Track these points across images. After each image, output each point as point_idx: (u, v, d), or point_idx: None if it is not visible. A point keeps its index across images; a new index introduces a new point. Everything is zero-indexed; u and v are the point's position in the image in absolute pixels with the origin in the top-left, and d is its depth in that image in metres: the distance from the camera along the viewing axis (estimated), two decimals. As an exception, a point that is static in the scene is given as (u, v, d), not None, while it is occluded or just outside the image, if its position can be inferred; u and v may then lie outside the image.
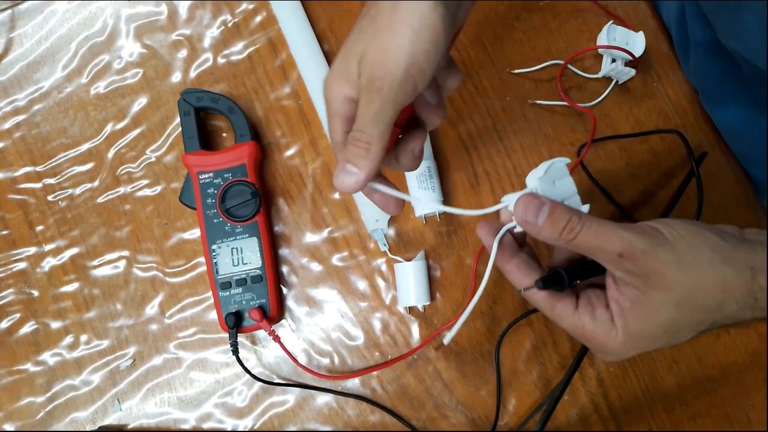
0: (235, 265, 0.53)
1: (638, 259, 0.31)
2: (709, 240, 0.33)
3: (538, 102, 0.57)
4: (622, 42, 0.55)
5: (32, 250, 0.58)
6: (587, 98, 0.57)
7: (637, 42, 0.56)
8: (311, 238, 0.57)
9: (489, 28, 0.59)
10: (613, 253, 0.32)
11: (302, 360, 0.55)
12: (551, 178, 0.35)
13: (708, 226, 0.34)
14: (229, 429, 0.55)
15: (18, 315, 0.57)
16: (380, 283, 0.56)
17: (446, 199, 0.56)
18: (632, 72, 0.56)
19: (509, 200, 0.36)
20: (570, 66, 0.57)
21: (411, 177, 0.54)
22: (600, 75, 0.57)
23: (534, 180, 0.35)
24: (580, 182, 0.57)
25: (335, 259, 0.56)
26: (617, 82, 0.57)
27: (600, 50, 0.56)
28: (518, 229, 0.36)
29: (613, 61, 0.56)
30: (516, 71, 0.57)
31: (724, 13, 0.44)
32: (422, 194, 0.54)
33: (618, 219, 0.56)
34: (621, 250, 0.32)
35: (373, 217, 0.55)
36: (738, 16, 0.41)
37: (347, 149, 0.36)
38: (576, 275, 0.36)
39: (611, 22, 0.56)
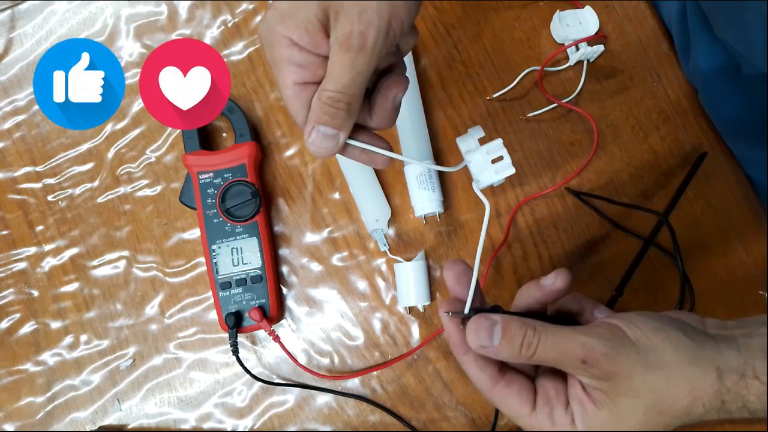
0: (235, 265, 0.53)
1: (602, 364, 0.30)
2: (672, 338, 0.31)
3: (530, 115, 0.57)
4: (575, 24, 0.57)
5: (32, 250, 0.58)
6: (572, 90, 0.57)
7: (589, 19, 0.57)
8: (311, 238, 0.57)
9: (489, 28, 0.59)
10: (576, 360, 0.30)
11: (302, 360, 0.55)
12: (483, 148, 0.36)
13: (670, 320, 0.33)
14: (229, 429, 0.55)
15: (18, 315, 0.57)
16: (380, 283, 0.56)
17: (446, 199, 0.56)
18: (601, 48, 0.56)
19: (472, 158, 0.36)
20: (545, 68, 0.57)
21: (411, 177, 0.54)
22: (571, 63, 0.57)
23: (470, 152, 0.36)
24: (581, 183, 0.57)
25: (335, 259, 0.56)
26: (588, 60, 0.57)
27: (563, 43, 0.58)
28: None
29: (578, 48, 0.57)
30: (494, 96, 0.57)
31: (724, 11, 0.44)
32: (422, 194, 0.54)
33: (610, 231, 0.56)
34: (583, 356, 0.30)
35: (373, 217, 0.55)
36: (738, 14, 0.41)
37: (320, 110, 0.32)
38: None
39: (558, 11, 0.57)
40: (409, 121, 0.56)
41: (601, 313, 0.36)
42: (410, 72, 0.57)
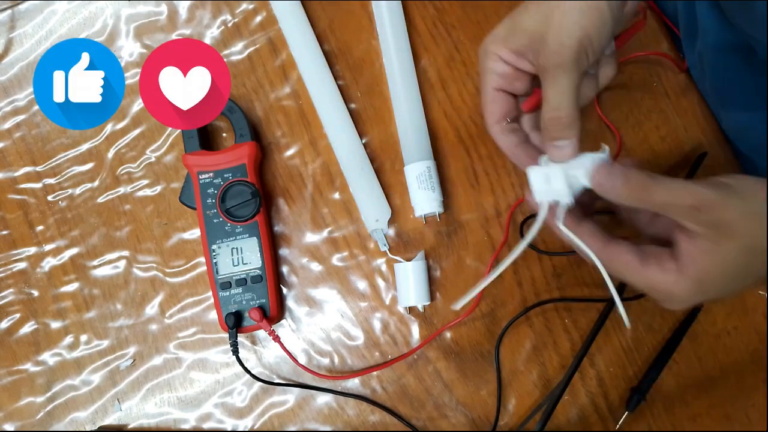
0: (235, 265, 0.53)
1: (711, 210, 0.33)
2: None
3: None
4: None
5: (32, 250, 0.58)
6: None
7: None
8: (311, 238, 0.57)
9: (489, 27, 0.58)
10: (686, 206, 0.34)
11: (302, 360, 0.55)
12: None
13: None
14: (229, 429, 0.55)
15: (18, 315, 0.57)
16: (380, 283, 0.56)
17: (446, 200, 0.56)
18: None
19: (541, 195, 0.39)
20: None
21: (411, 177, 0.54)
22: None
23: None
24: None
25: (335, 259, 0.56)
26: None
27: None
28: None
29: None
30: None
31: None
32: (422, 194, 0.54)
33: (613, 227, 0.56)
34: (694, 202, 0.34)
35: (373, 217, 0.55)
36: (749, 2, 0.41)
37: (548, 128, 0.38)
38: None
39: None
40: (410, 121, 0.56)
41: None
42: (410, 72, 0.57)
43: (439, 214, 0.55)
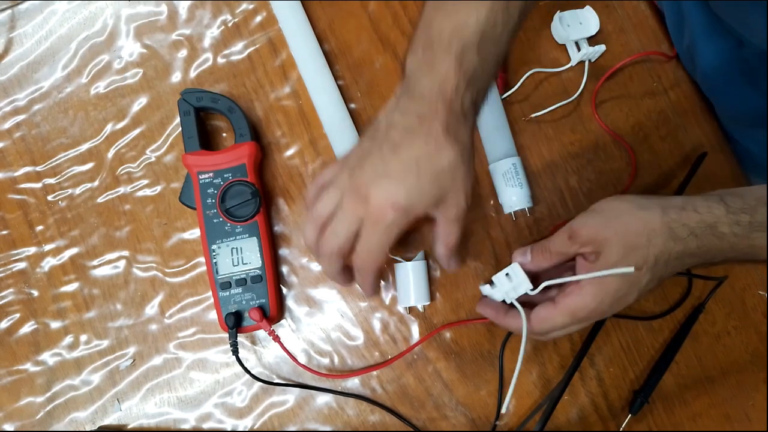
0: (235, 265, 0.53)
1: (579, 232, 0.41)
2: (625, 199, 0.42)
3: (533, 116, 0.57)
4: (575, 25, 0.57)
5: (32, 250, 0.58)
6: (573, 90, 0.57)
7: (589, 19, 0.57)
8: (311, 238, 0.57)
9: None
10: (565, 239, 0.42)
11: (302, 360, 0.55)
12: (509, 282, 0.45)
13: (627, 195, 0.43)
14: (229, 429, 0.55)
15: (18, 315, 0.57)
16: (380, 283, 0.56)
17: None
18: (602, 48, 0.57)
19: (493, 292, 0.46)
20: (543, 69, 0.57)
21: (497, 175, 0.54)
22: (573, 64, 0.57)
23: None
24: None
25: (335, 259, 0.56)
26: (590, 61, 0.57)
27: (564, 43, 0.58)
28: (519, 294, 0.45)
29: (579, 48, 0.57)
30: (502, 97, 0.57)
31: None
32: (510, 191, 0.54)
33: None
34: (567, 234, 0.42)
35: (373, 217, 0.55)
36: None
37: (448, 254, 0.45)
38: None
39: (558, 11, 0.57)
40: (491, 118, 0.56)
41: None
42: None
43: (528, 209, 0.55)
